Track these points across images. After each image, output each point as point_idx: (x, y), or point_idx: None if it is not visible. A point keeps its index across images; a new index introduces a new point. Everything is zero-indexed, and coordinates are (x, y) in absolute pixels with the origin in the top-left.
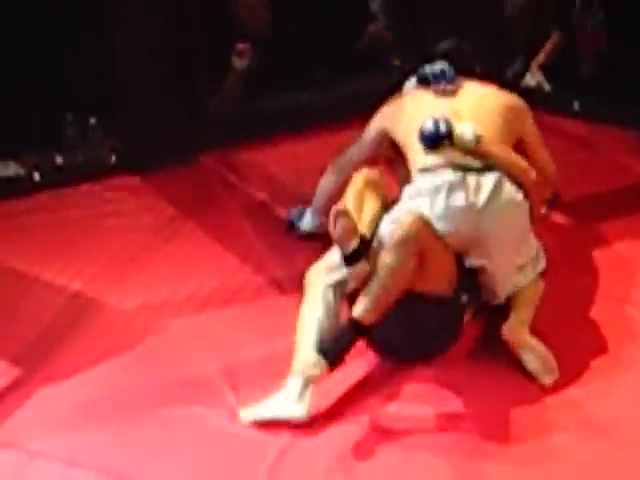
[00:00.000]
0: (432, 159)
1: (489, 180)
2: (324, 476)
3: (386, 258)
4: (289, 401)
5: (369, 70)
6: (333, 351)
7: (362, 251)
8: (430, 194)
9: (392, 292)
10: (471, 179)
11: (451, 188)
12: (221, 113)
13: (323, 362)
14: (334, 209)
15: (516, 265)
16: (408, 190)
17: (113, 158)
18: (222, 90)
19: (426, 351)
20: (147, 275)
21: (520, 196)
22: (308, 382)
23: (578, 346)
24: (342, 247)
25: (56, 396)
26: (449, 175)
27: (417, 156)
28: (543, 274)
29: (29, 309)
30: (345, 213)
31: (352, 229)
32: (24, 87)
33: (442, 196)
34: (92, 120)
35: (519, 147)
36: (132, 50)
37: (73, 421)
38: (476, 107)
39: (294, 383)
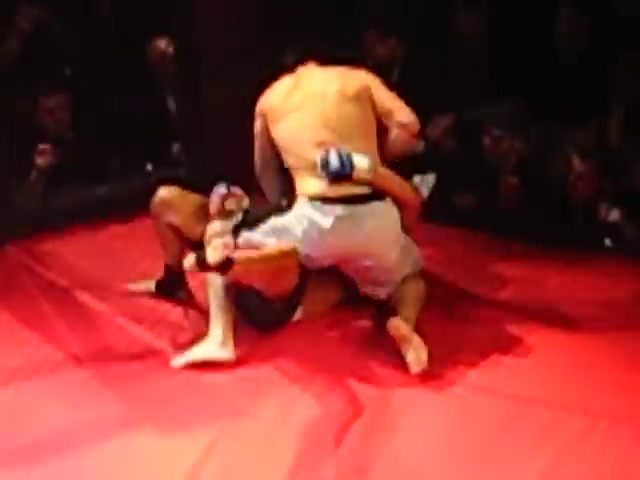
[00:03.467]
0: (325, 189)
1: (376, 210)
2: None
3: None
4: (215, 345)
5: (159, 165)
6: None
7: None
8: (318, 228)
9: None
10: (359, 210)
11: (339, 220)
12: (26, 207)
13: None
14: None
15: (396, 262)
16: (295, 213)
17: None
18: (26, 186)
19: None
20: None
21: (395, 213)
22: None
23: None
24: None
25: None
26: (339, 210)
27: (306, 179)
28: (421, 275)
29: None
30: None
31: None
32: None
33: (328, 228)
34: None
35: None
36: None
37: None
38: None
39: (216, 331)
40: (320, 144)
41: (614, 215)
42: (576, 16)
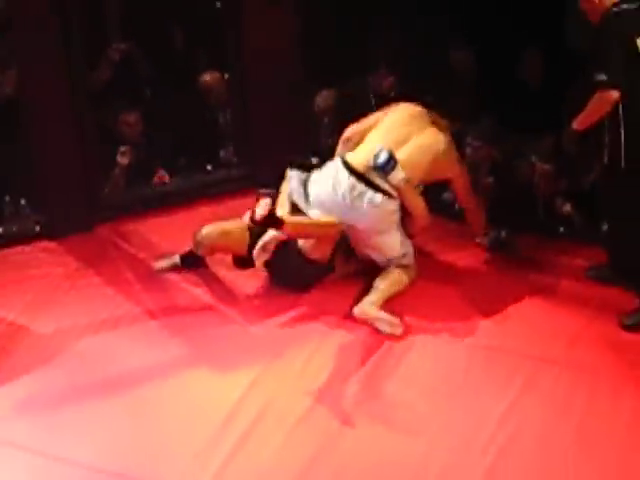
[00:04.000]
0: (361, 165)
1: (375, 198)
2: None
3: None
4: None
5: (216, 166)
6: None
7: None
8: (335, 186)
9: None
10: (365, 190)
11: (350, 188)
12: (111, 196)
13: None
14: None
15: (384, 243)
16: (328, 168)
17: (37, 228)
18: (111, 180)
19: (291, 284)
20: (59, 309)
21: (392, 208)
22: None
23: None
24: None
25: None
26: (353, 179)
27: (357, 150)
28: (407, 268)
29: None
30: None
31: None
32: None
33: (342, 192)
34: (23, 201)
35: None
36: (49, 155)
37: (13, 414)
38: (419, 146)
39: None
40: (385, 145)
41: (567, 208)
42: (537, 53)
